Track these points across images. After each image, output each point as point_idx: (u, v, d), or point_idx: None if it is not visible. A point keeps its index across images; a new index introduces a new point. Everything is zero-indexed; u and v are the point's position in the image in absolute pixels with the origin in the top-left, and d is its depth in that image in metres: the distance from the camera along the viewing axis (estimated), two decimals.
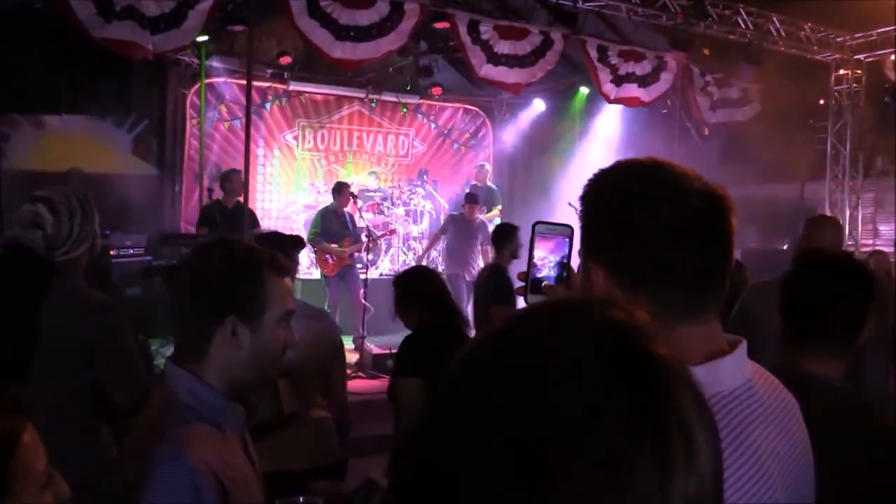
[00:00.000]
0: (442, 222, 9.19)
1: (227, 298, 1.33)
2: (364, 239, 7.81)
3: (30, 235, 2.17)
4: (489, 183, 10.18)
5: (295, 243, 2.88)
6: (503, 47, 6.93)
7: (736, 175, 9.19)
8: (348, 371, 6.72)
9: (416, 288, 3.09)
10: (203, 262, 1.36)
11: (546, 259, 1.22)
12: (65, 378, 2.16)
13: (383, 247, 9.44)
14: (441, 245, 9.07)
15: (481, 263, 8.23)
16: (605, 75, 7.55)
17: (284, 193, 10.12)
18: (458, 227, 8.47)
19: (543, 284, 1.22)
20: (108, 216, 8.18)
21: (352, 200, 7.87)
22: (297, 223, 9.73)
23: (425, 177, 10.38)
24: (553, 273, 1.22)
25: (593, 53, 7.49)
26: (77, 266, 2.27)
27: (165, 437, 1.22)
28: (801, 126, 8.45)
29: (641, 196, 0.93)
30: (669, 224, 0.90)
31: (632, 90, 7.74)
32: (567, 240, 1.23)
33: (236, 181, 6.92)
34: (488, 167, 10.34)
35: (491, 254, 7.91)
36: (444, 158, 11.32)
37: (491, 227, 9.87)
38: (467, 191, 8.95)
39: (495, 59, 6.92)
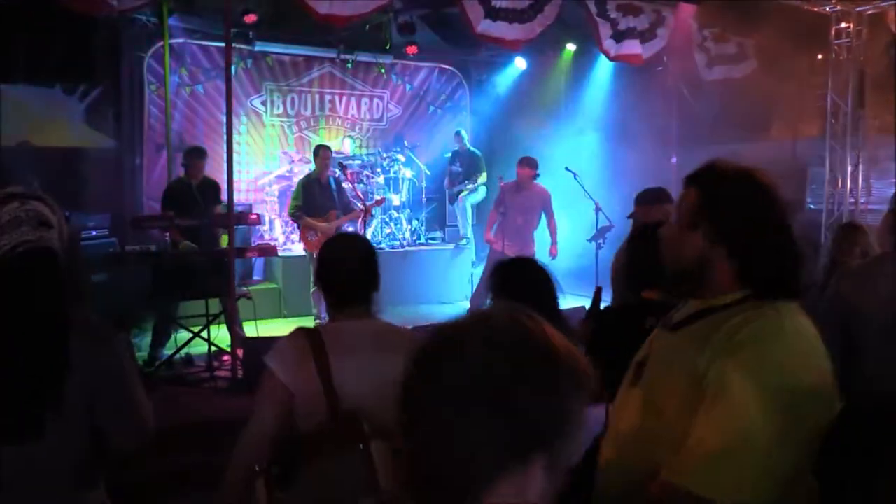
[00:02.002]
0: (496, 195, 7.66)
1: (543, 424, 0.79)
2: (358, 208, 7.27)
3: (50, 236, 1.67)
4: (470, 147, 9.67)
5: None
6: (501, 1, 6.38)
7: (726, 132, 8.92)
8: None
9: (520, 280, 2.57)
10: (503, 359, 0.79)
11: None
12: (71, 424, 1.67)
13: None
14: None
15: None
16: (605, 30, 7.07)
17: (254, 164, 9.43)
18: (512, 200, 7.20)
19: None
20: (66, 194, 7.41)
21: (338, 169, 7.30)
22: (270, 195, 9.10)
23: (405, 142, 9.79)
24: None
25: (592, 7, 6.99)
26: None
27: None
28: (797, 82, 8.14)
29: None
30: None
31: (633, 47, 7.29)
32: None
33: (196, 161, 6.31)
34: (464, 133, 9.77)
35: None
36: (420, 122, 10.74)
37: (476, 196, 9.42)
38: (523, 156, 7.38)
39: (493, 13, 6.37)
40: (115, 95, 8.03)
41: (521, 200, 7.20)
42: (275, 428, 1.92)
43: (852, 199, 7.88)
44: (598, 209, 7.28)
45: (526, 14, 6.56)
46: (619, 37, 7.19)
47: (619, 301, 2.96)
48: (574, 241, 7.87)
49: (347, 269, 2.07)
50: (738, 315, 1.43)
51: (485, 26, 6.31)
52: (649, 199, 4.20)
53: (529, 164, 7.25)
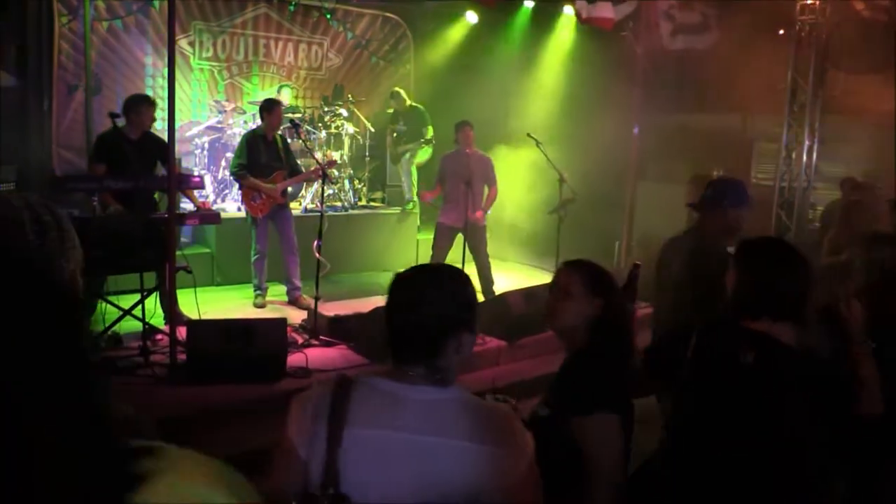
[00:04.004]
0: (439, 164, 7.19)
1: None
2: (305, 169, 6.65)
3: None
4: (411, 103, 9.02)
5: None
6: None
7: (684, 103, 8.72)
8: (298, 339, 5.65)
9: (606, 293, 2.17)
10: None
11: None
12: None
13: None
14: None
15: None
16: None
17: (180, 112, 8.48)
18: (454, 167, 6.80)
19: None
20: None
21: (290, 127, 6.62)
22: (198, 148, 8.25)
23: (350, 96, 9.08)
24: None
25: None
26: None
27: None
28: (758, 57, 7.97)
29: None
30: None
31: (605, 10, 6.91)
32: None
33: (146, 110, 5.48)
34: (401, 91, 9.03)
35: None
36: (360, 74, 10.02)
37: (422, 156, 8.86)
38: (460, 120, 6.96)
39: None
40: (20, 27, 6.96)
41: (463, 167, 6.72)
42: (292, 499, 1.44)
43: (805, 178, 7.86)
44: (562, 180, 6.92)
45: None
46: None
47: (683, 318, 2.56)
48: (534, 213, 7.52)
49: (410, 319, 1.53)
50: None
51: None
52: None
53: (471, 126, 6.83)
